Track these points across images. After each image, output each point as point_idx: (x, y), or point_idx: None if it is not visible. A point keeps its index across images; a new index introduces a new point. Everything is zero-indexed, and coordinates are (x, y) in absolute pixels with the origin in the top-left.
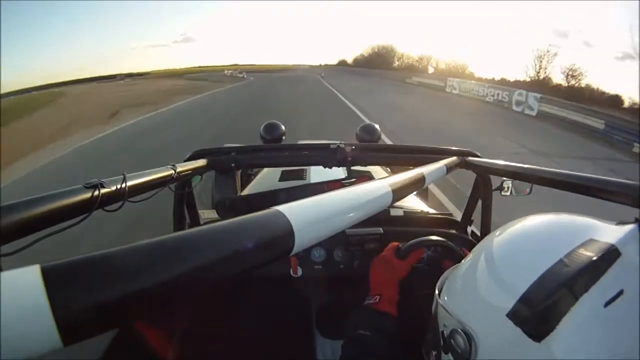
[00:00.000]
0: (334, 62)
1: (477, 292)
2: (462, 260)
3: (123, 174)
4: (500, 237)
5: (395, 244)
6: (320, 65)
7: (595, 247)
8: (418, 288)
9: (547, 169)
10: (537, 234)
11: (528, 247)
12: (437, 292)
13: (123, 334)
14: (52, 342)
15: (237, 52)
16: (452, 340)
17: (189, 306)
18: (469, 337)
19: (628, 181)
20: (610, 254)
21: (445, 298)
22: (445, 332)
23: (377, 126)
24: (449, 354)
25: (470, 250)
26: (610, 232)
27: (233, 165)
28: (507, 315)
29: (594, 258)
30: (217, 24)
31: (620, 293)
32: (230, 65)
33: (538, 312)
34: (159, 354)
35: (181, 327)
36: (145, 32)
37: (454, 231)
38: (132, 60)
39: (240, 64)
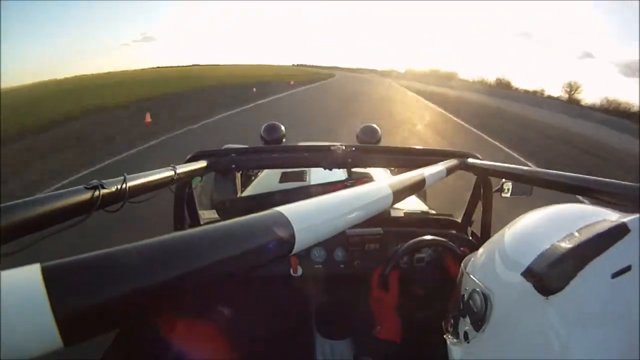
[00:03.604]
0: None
1: (498, 257)
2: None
3: (124, 175)
4: (522, 218)
5: (377, 274)
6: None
7: (606, 224)
8: (419, 288)
9: (547, 170)
10: (555, 214)
11: (546, 223)
12: (463, 265)
13: (123, 334)
14: (53, 342)
15: (200, 52)
16: (470, 301)
17: (189, 306)
18: (485, 297)
19: (628, 183)
20: (619, 229)
21: (470, 267)
22: (465, 295)
23: (377, 128)
24: (466, 317)
25: (469, 250)
26: (623, 216)
27: (233, 166)
28: (522, 273)
29: (603, 231)
30: (178, 21)
31: (628, 269)
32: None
33: (548, 271)
34: (159, 354)
35: (181, 327)
36: (105, 32)
37: (454, 232)
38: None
39: (201, 64)
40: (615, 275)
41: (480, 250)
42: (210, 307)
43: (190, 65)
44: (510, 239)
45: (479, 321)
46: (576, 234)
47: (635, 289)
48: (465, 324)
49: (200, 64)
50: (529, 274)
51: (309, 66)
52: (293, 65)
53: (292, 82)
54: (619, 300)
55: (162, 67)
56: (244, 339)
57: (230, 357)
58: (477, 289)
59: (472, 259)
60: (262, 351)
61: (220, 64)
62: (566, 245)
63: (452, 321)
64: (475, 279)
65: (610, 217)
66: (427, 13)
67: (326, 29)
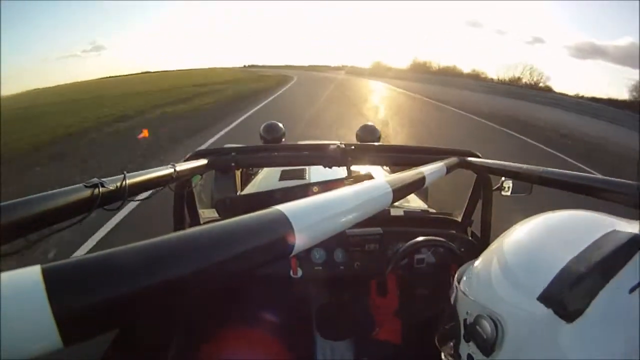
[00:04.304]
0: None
1: (505, 278)
2: (485, 251)
3: (123, 173)
4: (521, 230)
5: (374, 283)
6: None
7: (618, 237)
8: (419, 289)
9: (547, 168)
10: (562, 226)
11: (550, 237)
12: (456, 282)
13: (123, 334)
14: (53, 342)
15: (156, 58)
16: (477, 327)
17: (188, 306)
18: (495, 322)
19: (628, 181)
20: (633, 243)
21: (468, 287)
22: (468, 319)
23: (376, 127)
24: (471, 342)
25: (469, 250)
26: (630, 225)
27: (233, 164)
28: (538, 298)
29: (617, 247)
30: (128, 29)
31: None
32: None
33: (570, 294)
34: (159, 354)
35: (180, 327)
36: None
37: (453, 231)
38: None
39: (152, 71)
40: (632, 290)
41: (478, 265)
42: (209, 308)
43: (141, 73)
44: (515, 257)
45: (489, 347)
46: (589, 250)
47: None
48: (470, 348)
49: (151, 70)
50: (547, 298)
51: (261, 66)
52: (245, 66)
53: (141, 135)
54: (637, 316)
55: (109, 77)
56: (244, 340)
57: (230, 358)
58: (485, 314)
59: (468, 276)
60: (262, 352)
61: (171, 69)
62: (582, 264)
63: (453, 343)
64: (477, 301)
65: (616, 226)
66: (379, 10)
67: (277, 28)
